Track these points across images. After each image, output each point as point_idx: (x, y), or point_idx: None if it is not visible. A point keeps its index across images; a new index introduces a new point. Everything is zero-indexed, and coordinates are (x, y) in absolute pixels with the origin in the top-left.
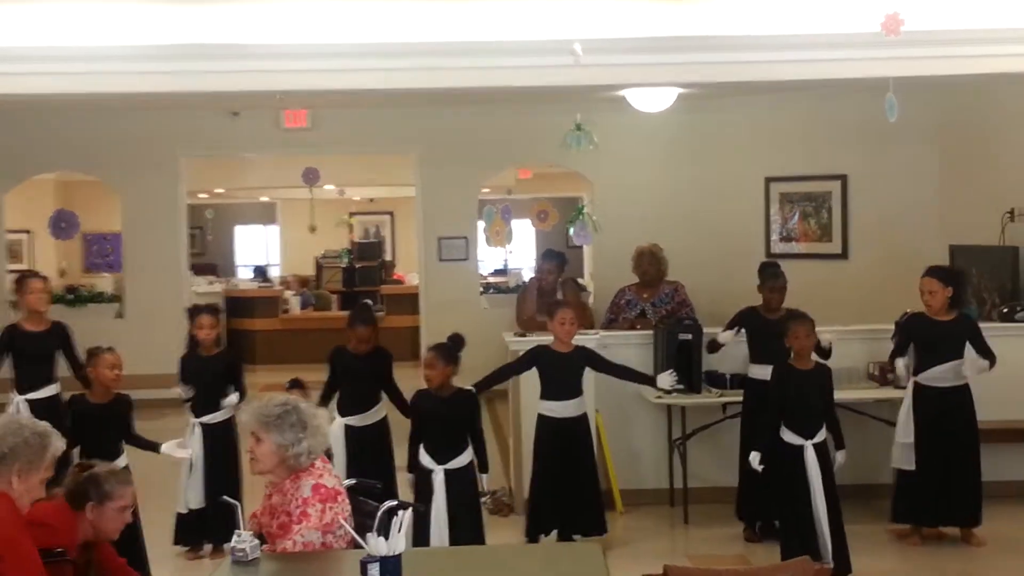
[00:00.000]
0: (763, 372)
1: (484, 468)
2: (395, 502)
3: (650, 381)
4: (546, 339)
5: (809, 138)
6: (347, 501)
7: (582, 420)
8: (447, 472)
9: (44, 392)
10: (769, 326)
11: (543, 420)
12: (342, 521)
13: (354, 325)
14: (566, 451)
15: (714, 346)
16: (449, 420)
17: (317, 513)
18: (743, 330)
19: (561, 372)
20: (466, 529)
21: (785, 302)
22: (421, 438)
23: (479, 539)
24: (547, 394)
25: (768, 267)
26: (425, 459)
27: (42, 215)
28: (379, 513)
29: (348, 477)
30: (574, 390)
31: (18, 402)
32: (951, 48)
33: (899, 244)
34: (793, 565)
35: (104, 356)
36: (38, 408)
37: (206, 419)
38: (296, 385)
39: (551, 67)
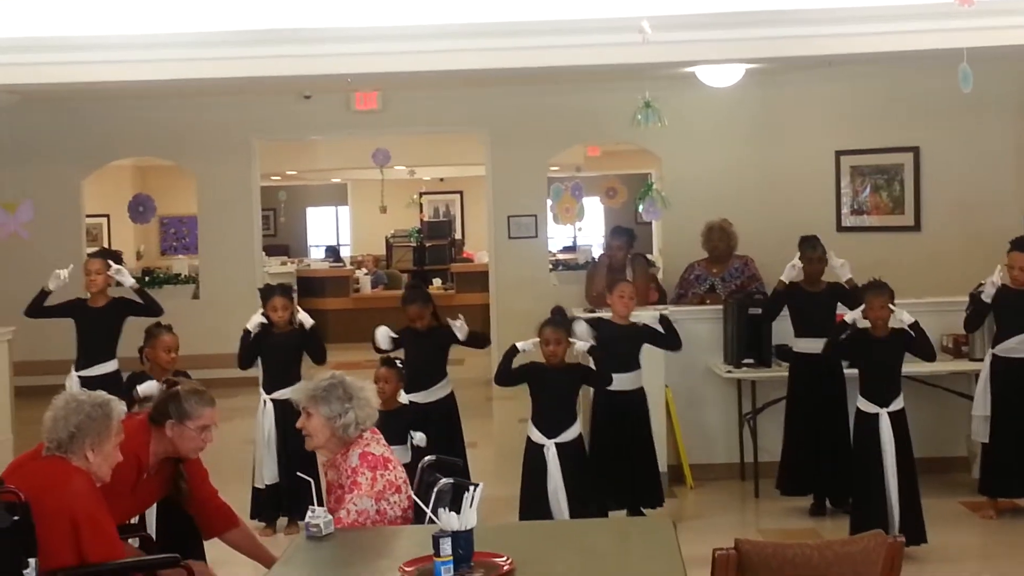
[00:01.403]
0: (808, 346)
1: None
2: (451, 480)
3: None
4: (607, 314)
5: (880, 111)
6: (399, 468)
7: (639, 393)
8: (558, 446)
9: (104, 368)
10: (811, 299)
11: (603, 394)
12: (402, 486)
13: (406, 304)
14: (623, 424)
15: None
16: (563, 393)
17: (367, 481)
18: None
19: (619, 345)
20: (583, 501)
21: (857, 276)
22: (533, 412)
23: (590, 511)
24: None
25: (806, 240)
26: (534, 434)
27: (120, 199)
28: (437, 489)
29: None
30: (631, 363)
31: (72, 378)
32: None
33: (973, 216)
34: (866, 539)
35: (162, 338)
36: (96, 385)
37: (277, 395)
38: (388, 364)
39: (619, 45)
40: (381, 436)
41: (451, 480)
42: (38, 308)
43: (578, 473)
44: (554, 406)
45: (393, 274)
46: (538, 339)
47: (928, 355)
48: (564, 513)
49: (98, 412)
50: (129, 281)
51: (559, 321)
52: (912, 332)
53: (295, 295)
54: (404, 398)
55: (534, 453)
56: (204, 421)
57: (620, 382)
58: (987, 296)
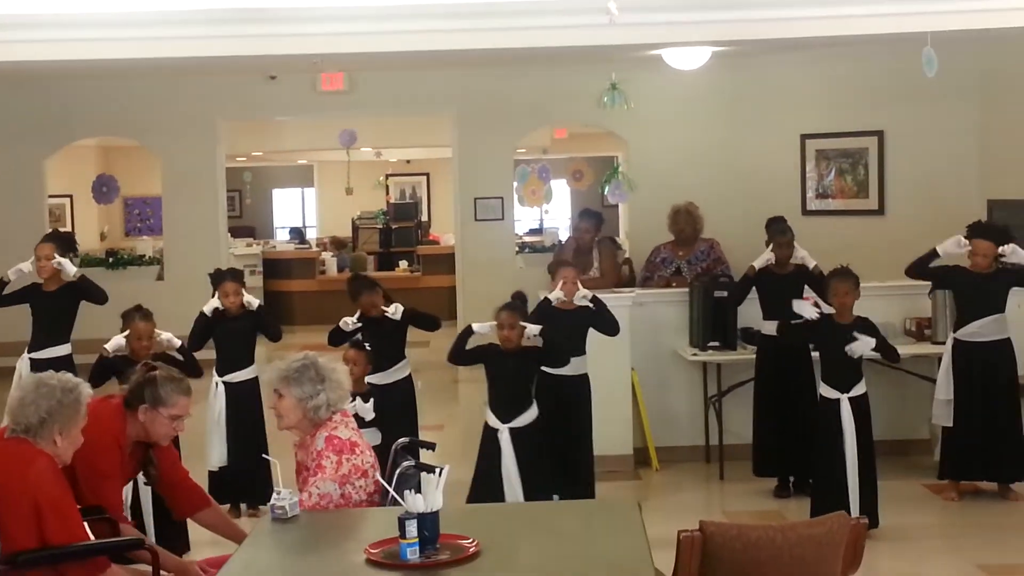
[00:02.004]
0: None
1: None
2: (412, 462)
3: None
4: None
5: (845, 94)
6: (367, 452)
7: (582, 380)
8: (512, 431)
9: (56, 352)
10: (779, 281)
11: (544, 376)
12: (369, 470)
13: (356, 299)
14: (563, 410)
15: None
16: (518, 378)
17: (332, 465)
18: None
19: (562, 331)
20: (537, 485)
21: (821, 260)
22: (489, 397)
23: (551, 494)
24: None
25: (775, 222)
26: (490, 418)
27: (84, 180)
28: (399, 472)
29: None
30: (575, 349)
31: (23, 360)
32: (989, 1)
33: (937, 199)
34: (829, 520)
35: (136, 325)
36: (47, 368)
37: (228, 378)
38: (357, 346)
39: (586, 27)
40: (352, 419)
41: (412, 462)
42: None
43: (534, 458)
44: (509, 391)
45: (359, 256)
46: (495, 322)
47: (892, 357)
48: (518, 497)
49: (69, 398)
50: (71, 271)
51: (516, 306)
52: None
53: (258, 276)
54: (367, 379)
55: (490, 437)
56: (177, 411)
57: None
58: (943, 250)
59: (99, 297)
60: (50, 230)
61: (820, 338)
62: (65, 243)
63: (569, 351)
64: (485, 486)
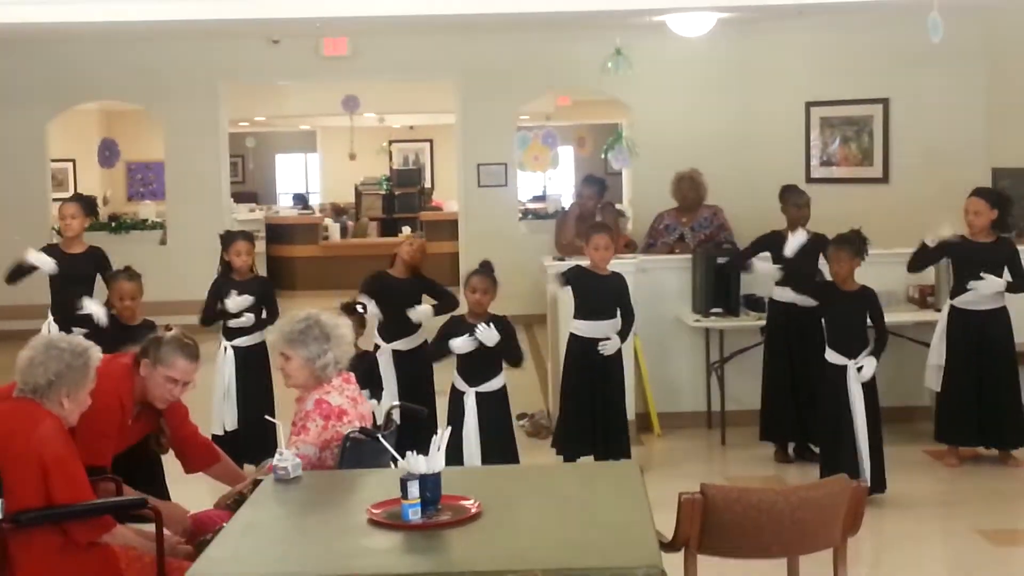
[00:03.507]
0: (786, 294)
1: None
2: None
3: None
4: (584, 261)
5: (850, 62)
6: (356, 423)
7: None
8: (478, 395)
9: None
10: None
11: (574, 339)
12: (356, 432)
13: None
14: (594, 371)
15: (748, 266)
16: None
17: (317, 428)
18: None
19: (597, 294)
20: (498, 452)
21: (825, 228)
22: (456, 361)
23: (512, 461)
24: (580, 314)
25: (790, 188)
26: (458, 381)
27: (86, 145)
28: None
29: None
30: (608, 312)
31: (49, 323)
32: None
33: (941, 167)
34: (830, 483)
35: (118, 284)
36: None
37: (237, 342)
38: (349, 310)
39: None
40: (350, 386)
41: (358, 428)
42: (17, 276)
43: (498, 424)
44: (476, 357)
45: (361, 222)
46: (469, 337)
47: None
48: (476, 461)
49: (78, 361)
50: (48, 267)
51: (489, 271)
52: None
53: (260, 241)
54: (387, 348)
55: (456, 399)
56: (174, 373)
57: (593, 330)
58: (931, 241)
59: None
60: (57, 195)
61: (825, 304)
62: (89, 205)
63: (600, 314)
64: (449, 450)
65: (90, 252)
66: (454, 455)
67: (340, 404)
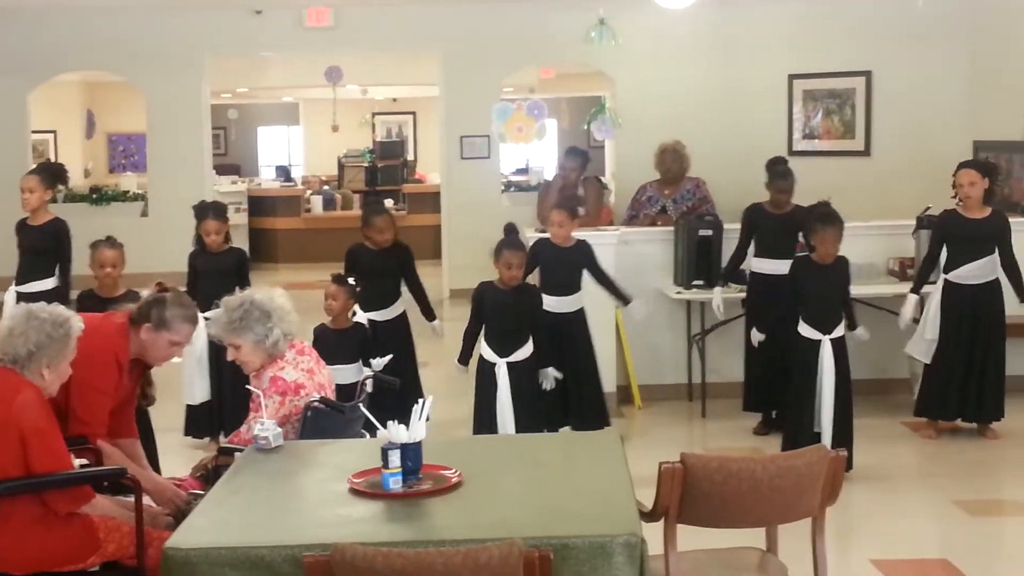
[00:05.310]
0: (766, 266)
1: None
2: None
3: (624, 301)
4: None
5: (833, 35)
6: (314, 394)
7: (579, 315)
8: (509, 364)
9: (42, 286)
10: (774, 221)
11: (545, 315)
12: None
13: (372, 216)
14: (563, 346)
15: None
16: (516, 313)
17: (274, 405)
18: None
19: (560, 266)
20: (531, 420)
21: (807, 201)
22: (485, 331)
23: (540, 429)
24: (545, 289)
25: (777, 165)
26: (487, 352)
27: (67, 116)
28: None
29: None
30: (572, 285)
31: (11, 292)
32: None
33: (922, 140)
34: (809, 453)
35: (99, 251)
36: (33, 301)
37: (212, 314)
38: (340, 281)
39: None
40: (304, 357)
41: (318, 397)
42: None
43: (529, 392)
44: (507, 326)
45: (344, 194)
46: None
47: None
48: (510, 430)
49: (59, 332)
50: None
51: (518, 242)
52: None
53: (243, 214)
54: (363, 317)
55: (486, 370)
56: (179, 338)
57: (559, 304)
58: (903, 322)
59: (67, 256)
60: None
61: (802, 278)
62: (52, 175)
63: (562, 289)
64: (482, 420)
65: (49, 224)
66: (488, 425)
67: (296, 379)
